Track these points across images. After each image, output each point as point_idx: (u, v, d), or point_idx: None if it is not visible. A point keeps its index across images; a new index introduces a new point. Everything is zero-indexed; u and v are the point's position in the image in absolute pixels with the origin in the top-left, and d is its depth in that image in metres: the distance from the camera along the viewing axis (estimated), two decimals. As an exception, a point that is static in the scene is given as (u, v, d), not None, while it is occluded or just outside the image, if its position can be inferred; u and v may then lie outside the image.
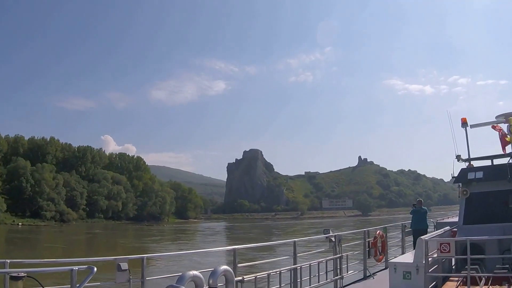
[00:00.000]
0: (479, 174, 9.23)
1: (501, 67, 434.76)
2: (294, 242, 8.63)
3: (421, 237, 7.88)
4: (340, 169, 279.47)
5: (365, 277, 10.82)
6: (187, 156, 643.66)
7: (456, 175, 9.90)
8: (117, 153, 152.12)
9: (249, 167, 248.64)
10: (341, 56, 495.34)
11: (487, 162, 10.08)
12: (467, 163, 10.26)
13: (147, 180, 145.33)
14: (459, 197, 9.73)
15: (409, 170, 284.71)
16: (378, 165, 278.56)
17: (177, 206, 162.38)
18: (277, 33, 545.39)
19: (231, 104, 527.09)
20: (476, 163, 10.27)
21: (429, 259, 7.51)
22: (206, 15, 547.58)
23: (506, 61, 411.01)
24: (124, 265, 5.68)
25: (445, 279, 8.13)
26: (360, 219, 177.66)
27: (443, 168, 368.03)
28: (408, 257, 8.56)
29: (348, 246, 11.15)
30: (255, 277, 6.89)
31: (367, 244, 11.15)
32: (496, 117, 10.21)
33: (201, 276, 5.01)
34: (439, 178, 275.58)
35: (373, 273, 11.17)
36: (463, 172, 9.74)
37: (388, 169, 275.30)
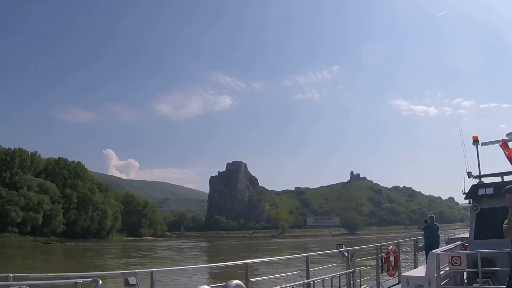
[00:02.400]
0: (490, 190, 9.42)
1: (504, 90, 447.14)
2: (307, 256, 8.43)
3: (433, 251, 7.90)
4: (331, 185, 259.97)
5: None
6: (192, 172, 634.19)
7: (467, 191, 9.99)
8: (56, 158, 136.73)
9: (230, 181, 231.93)
10: (347, 75, 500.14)
11: (497, 179, 10.14)
12: (477, 180, 10.30)
13: (85, 190, 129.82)
14: (470, 212, 9.81)
15: (404, 186, 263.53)
16: (371, 181, 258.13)
17: (128, 222, 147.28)
18: (286, 50, 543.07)
19: (237, 120, 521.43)
20: (486, 180, 10.41)
21: (441, 272, 7.62)
22: (216, 30, 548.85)
23: (509, 84, 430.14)
24: (132, 280, 5.58)
25: None
26: (344, 238, 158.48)
27: (441, 186, 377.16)
28: (420, 271, 8.72)
29: (361, 260, 11.04)
30: None
31: (380, 259, 10.97)
32: (507, 135, 10.40)
33: None
34: (436, 196, 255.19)
35: None
36: (474, 188, 9.87)
37: (382, 185, 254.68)
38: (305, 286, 7.84)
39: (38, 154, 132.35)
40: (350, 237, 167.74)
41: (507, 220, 6.61)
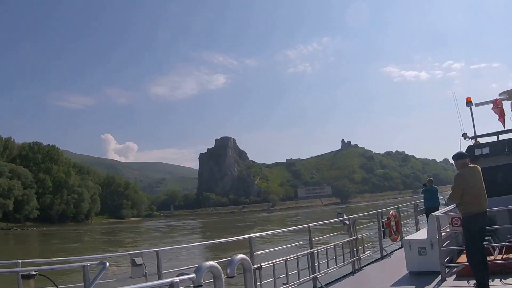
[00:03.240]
0: (486, 150, 9.51)
1: (494, 50, 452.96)
2: (309, 227, 8.47)
3: (432, 213, 7.94)
4: (322, 154, 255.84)
5: (382, 257, 10.75)
6: (190, 151, 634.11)
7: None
8: (30, 142, 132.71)
9: (219, 157, 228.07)
10: (338, 46, 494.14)
11: (493, 138, 10.26)
12: (473, 141, 10.36)
13: (60, 173, 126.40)
14: None
15: (397, 151, 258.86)
16: (363, 148, 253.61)
17: (110, 204, 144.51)
18: (275, 24, 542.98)
19: (231, 98, 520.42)
20: (482, 140, 10.48)
21: (442, 234, 7.60)
22: (204, 8, 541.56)
23: (498, 44, 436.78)
24: (139, 260, 5.67)
25: (460, 252, 8.33)
26: (337, 208, 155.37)
27: (435, 149, 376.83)
28: (421, 234, 8.82)
29: (362, 228, 11.34)
30: (273, 263, 6.86)
31: (381, 225, 10.99)
32: (500, 94, 10.48)
33: (218, 266, 4.60)
34: (431, 159, 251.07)
35: (390, 252, 11.12)
36: (470, 149, 9.77)
37: (374, 151, 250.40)
38: (309, 256, 7.99)
39: (12, 140, 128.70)
40: (341, 206, 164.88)
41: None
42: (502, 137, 10.08)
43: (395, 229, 11.39)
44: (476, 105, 10.79)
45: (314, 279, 7.95)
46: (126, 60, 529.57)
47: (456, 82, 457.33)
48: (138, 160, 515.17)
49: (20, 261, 5.09)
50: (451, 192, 6.62)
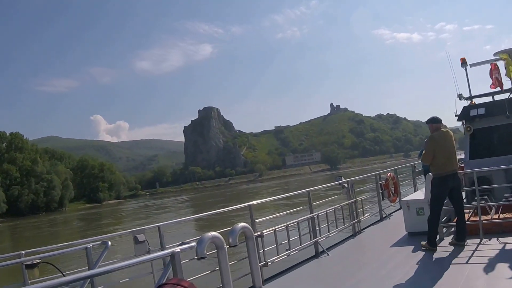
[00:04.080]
0: (481, 111, 9.45)
1: (487, 12, 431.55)
2: (308, 191, 8.25)
3: (429, 173, 7.60)
4: (310, 120, 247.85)
5: (382, 219, 10.81)
6: (181, 125, 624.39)
7: (459, 113, 9.87)
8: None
9: (202, 128, 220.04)
10: (327, 9, 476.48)
11: (488, 99, 10.10)
12: (468, 101, 10.19)
13: (26, 162, 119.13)
14: (464, 134, 9.91)
15: (388, 114, 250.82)
16: (353, 111, 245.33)
17: (86, 188, 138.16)
18: None
19: (219, 67, 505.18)
20: (477, 101, 10.28)
21: None
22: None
23: (491, 5, 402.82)
24: (141, 237, 5.62)
25: None
26: (326, 174, 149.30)
27: (428, 111, 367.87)
28: (419, 195, 8.87)
29: (361, 190, 11.34)
30: (274, 230, 6.85)
31: (379, 186, 10.95)
32: (494, 54, 10.22)
33: (220, 236, 4.77)
34: (423, 121, 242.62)
35: (389, 214, 11.20)
36: (465, 109, 9.74)
37: (364, 115, 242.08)
38: (310, 220, 8.00)
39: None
40: (328, 173, 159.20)
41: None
42: (497, 97, 9.82)
43: (393, 191, 11.29)
44: (471, 65, 10.44)
45: (316, 244, 7.94)
46: (106, 37, 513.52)
47: (449, 44, 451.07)
48: (131, 139, 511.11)
49: (23, 252, 5.06)
50: (423, 153, 6.98)
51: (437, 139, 6.80)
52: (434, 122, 6.99)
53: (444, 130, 6.95)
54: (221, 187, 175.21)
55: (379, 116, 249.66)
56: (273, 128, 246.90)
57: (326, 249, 7.97)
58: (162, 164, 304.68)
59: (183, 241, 3.84)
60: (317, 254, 7.87)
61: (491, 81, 9.96)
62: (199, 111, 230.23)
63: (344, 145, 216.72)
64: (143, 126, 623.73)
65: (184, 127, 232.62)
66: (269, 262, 6.50)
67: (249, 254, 5.56)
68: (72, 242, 6.26)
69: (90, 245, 5.23)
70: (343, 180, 9.60)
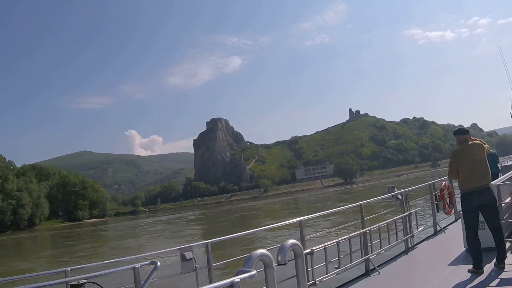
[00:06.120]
0: None
1: None
2: (361, 205, 7.92)
3: (492, 182, 6.87)
4: (328, 128, 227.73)
5: (436, 233, 10.05)
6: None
7: None
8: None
9: (209, 140, 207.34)
10: (355, 13, 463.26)
11: None
12: None
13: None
14: None
15: (414, 118, 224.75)
16: (374, 117, 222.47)
17: (64, 205, 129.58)
18: None
19: (248, 78, 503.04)
20: None
21: (502, 205, 6.98)
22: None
23: None
24: (189, 255, 5.59)
25: None
26: (336, 191, 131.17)
27: (462, 113, 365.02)
28: None
29: (414, 202, 10.67)
30: (325, 247, 6.63)
31: (434, 197, 10.30)
32: None
33: (269, 254, 4.57)
34: (457, 124, 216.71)
35: (444, 227, 10.46)
36: None
37: (387, 120, 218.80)
38: (362, 236, 7.59)
39: None
40: (336, 189, 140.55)
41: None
42: None
43: (448, 202, 10.51)
44: None
45: (367, 261, 7.55)
46: (137, 54, 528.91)
47: (483, 39, 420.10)
48: (164, 152, 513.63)
49: (69, 269, 4.94)
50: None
51: (460, 153, 6.34)
52: (460, 133, 6.48)
53: (472, 142, 6.35)
54: (222, 204, 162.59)
55: (404, 121, 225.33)
56: (289, 139, 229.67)
57: (377, 266, 7.49)
58: (187, 176, 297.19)
59: (242, 269, 3.66)
60: (368, 272, 7.42)
61: None
62: (207, 122, 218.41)
63: (362, 155, 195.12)
64: (176, 139, 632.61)
65: (194, 140, 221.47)
66: (318, 281, 6.28)
67: (298, 273, 5.14)
68: (118, 260, 6.15)
69: (139, 265, 5.01)
70: (396, 191, 8.86)
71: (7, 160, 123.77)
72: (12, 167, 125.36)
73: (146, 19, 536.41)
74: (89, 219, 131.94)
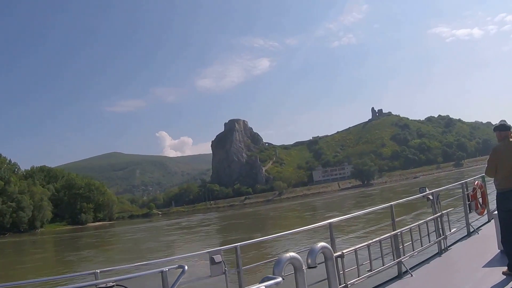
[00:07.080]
0: None
1: None
2: (391, 206, 7.61)
3: None
4: (349, 128, 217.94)
5: (469, 234, 9.63)
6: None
7: None
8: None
9: (226, 142, 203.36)
10: (379, 12, 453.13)
11: None
12: None
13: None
14: None
15: (439, 116, 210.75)
16: (398, 115, 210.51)
17: (69, 208, 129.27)
18: None
19: (277, 80, 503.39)
20: None
21: None
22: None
23: None
24: (218, 258, 5.56)
25: None
26: (353, 194, 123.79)
27: (491, 110, 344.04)
28: None
29: (446, 202, 10.19)
30: (355, 250, 6.48)
31: (466, 197, 9.81)
32: None
33: (299, 257, 4.71)
34: (485, 122, 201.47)
35: (477, 228, 10.02)
36: None
37: (411, 118, 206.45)
38: (392, 238, 7.33)
39: None
40: (354, 191, 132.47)
41: None
42: None
43: (481, 201, 10.18)
44: None
45: (399, 264, 7.33)
46: (169, 59, 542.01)
47: None
48: (194, 153, 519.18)
49: (98, 271, 4.94)
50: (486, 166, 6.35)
51: (500, 150, 6.07)
52: (502, 129, 6.18)
53: None
54: (235, 207, 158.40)
55: (429, 119, 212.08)
56: (310, 139, 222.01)
57: (410, 269, 7.33)
58: (213, 177, 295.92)
59: (268, 276, 3.61)
60: (400, 275, 7.23)
61: None
62: (225, 124, 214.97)
63: (382, 155, 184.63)
64: (206, 141, 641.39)
65: (212, 141, 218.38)
66: (349, 284, 6.17)
67: (329, 276, 5.23)
68: (147, 263, 6.23)
69: (167, 268, 4.95)
70: (428, 191, 8.63)
71: (12, 162, 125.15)
72: (16, 169, 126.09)
73: (176, 24, 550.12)
74: (93, 222, 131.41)
